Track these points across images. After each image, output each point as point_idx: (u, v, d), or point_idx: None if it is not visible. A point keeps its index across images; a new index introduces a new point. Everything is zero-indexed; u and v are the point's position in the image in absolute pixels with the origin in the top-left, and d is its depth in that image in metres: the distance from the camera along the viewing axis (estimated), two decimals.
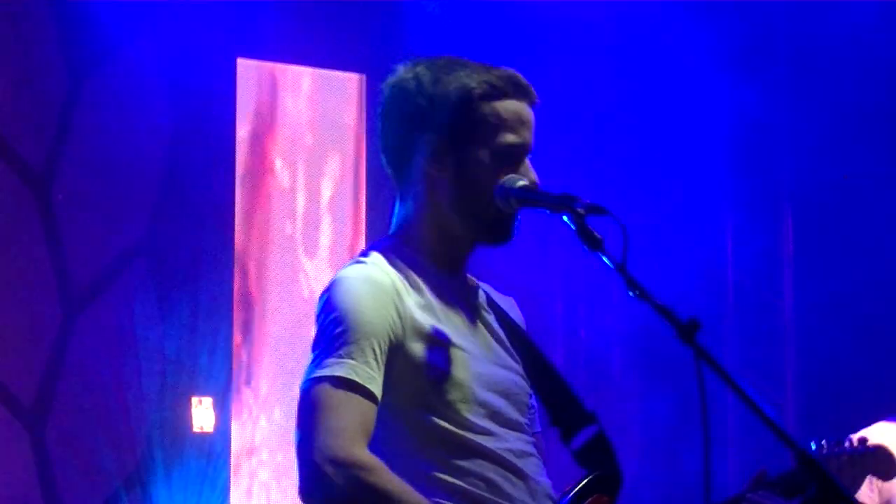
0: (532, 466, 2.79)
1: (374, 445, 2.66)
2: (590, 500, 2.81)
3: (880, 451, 3.65)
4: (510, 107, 2.81)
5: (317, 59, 6.06)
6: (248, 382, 5.86)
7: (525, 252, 6.18)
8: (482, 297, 2.90)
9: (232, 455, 5.76)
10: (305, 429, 2.60)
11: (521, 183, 2.77)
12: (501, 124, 2.80)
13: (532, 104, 2.85)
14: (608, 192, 6.38)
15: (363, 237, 6.06)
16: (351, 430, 2.58)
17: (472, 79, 2.81)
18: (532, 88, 2.85)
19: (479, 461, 2.72)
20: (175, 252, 5.64)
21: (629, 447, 6.46)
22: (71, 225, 5.50)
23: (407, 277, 2.76)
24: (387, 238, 2.88)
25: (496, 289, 3.06)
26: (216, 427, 5.71)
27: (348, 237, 6.08)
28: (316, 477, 2.56)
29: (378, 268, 2.76)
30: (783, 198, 6.65)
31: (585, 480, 2.82)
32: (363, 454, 2.58)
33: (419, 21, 5.98)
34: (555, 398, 2.91)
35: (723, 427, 6.21)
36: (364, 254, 2.85)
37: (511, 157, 2.79)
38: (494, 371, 2.80)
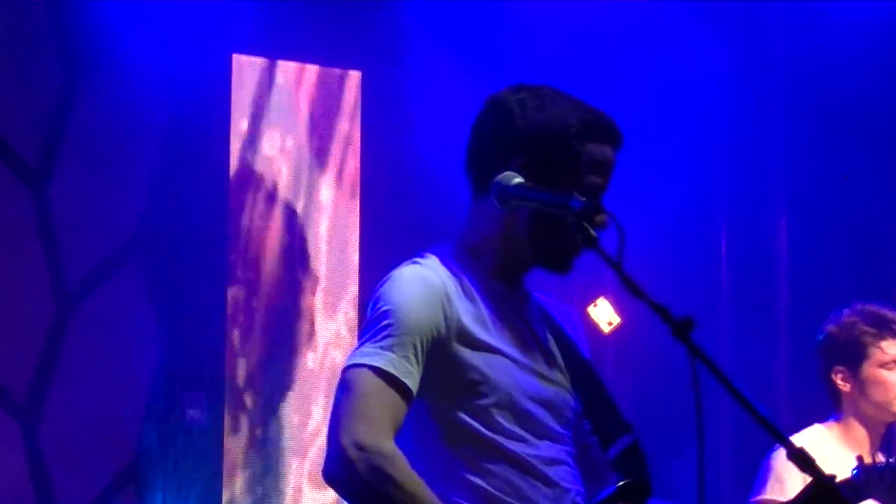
0: (564, 475, 2.86)
1: (405, 438, 2.77)
2: None
3: None
4: (601, 150, 2.89)
5: (313, 56, 6.06)
6: (241, 379, 5.85)
7: None
8: (537, 312, 2.98)
9: (225, 452, 5.75)
10: (338, 412, 2.72)
11: (518, 180, 2.80)
12: (591, 165, 2.87)
13: (617, 150, 2.93)
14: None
15: (357, 233, 6.06)
16: (380, 420, 2.69)
17: (572, 115, 2.89)
18: (622, 136, 2.94)
19: (505, 465, 2.79)
20: (169, 248, 5.63)
21: None
22: (65, 221, 5.49)
23: (461, 283, 2.84)
24: (450, 244, 2.94)
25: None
26: (210, 424, 5.70)
27: (343, 233, 6.07)
28: (340, 459, 2.68)
29: (432, 269, 2.84)
30: (777, 197, 6.65)
31: (614, 488, 2.88)
32: (388, 445, 2.69)
33: (418, 18, 5.97)
34: (598, 409, 2.98)
35: (716, 425, 6.21)
36: (422, 255, 2.93)
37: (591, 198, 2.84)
38: (538, 383, 2.87)
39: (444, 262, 2.87)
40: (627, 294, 2.54)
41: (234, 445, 5.81)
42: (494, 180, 2.81)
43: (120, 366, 5.51)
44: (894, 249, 6.48)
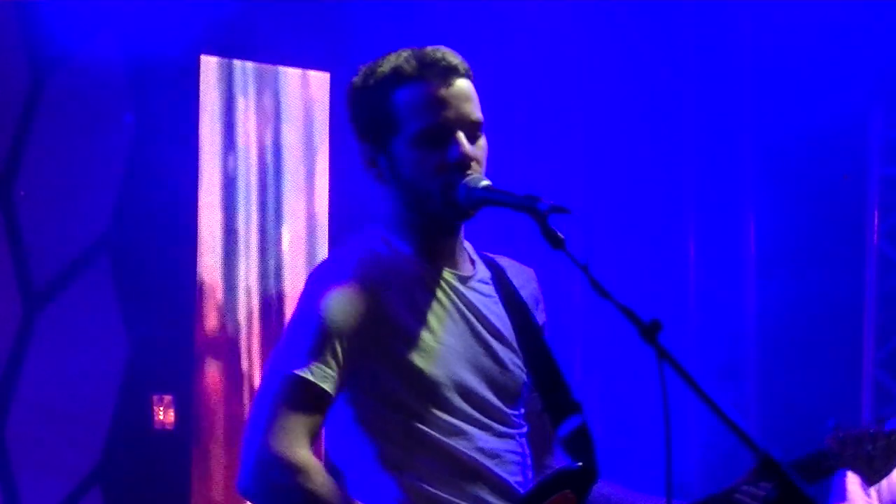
0: (505, 465, 2.78)
1: (338, 436, 2.70)
2: (555, 496, 2.77)
3: None
4: (419, 89, 2.74)
5: (281, 57, 6.05)
6: (209, 380, 5.84)
7: (490, 251, 6.19)
8: (481, 281, 2.86)
9: (193, 452, 5.74)
10: (254, 423, 2.63)
11: (484, 183, 2.72)
12: (407, 112, 2.74)
13: (447, 83, 2.74)
14: (572, 192, 6.40)
15: (326, 232, 6.05)
16: (296, 431, 2.60)
17: (375, 76, 2.78)
18: (447, 60, 2.76)
19: (443, 462, 2.71)
20: (137, 249, 5.61)
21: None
22: (32, 222, 5.47)
23: (388, 272, 2.74)
24: (376, 227, 2.85)
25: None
26: (177, 424, 5.68)
27: (312, 234, 6.06)
28: (255, 473, 2.60)
29: (356, 262, 2.74)
30: (746, 198, 6.67)
31: (554, 473, 2.80)
32: (302, 455, 2.60)
33: (387, 18, 5.96)
34: (547, 384, 2.88)
35: (685, 427, 6.22)
36: (350, 243, 2.84)
37: (429, 142, 2.73)
38: (481, 363, 2.77)
39: (369, 250, 2.77)
40: (595, 295, 2.51)
41: (203, 447, 5.79)
42: (461, 183, 2.71)
43: (87, 367, 5.48)
44: (863, 251, 6.51)
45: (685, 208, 6.71)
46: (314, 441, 2.64)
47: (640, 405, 5.93)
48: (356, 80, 2.82)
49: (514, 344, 2.85)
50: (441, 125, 2.73)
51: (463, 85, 2.77)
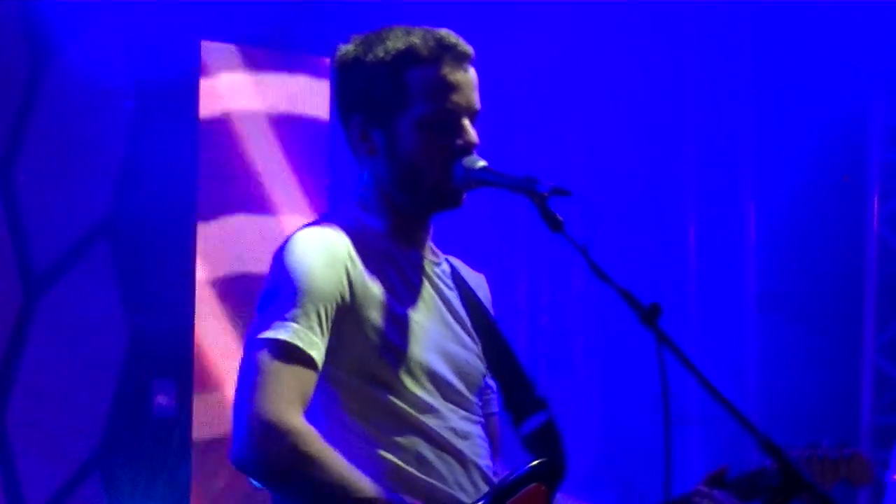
0: (474, 448, 2.76)
1: (313, 412, 2.62)
2: (528, 488, 2.74)
3: (856, 457, 3.62)
4: (429, 72, 2.72)
5: (283, 42, 6.04)
6: (209, 365, 5.84)
7: (489, 237, 6.19)
8: (445, 272, 2.85)
9: (193, 438, 5.74)
10: (242, 392, 2.56)
11: (481, 164, 2.70)
12: (418, 92, 2.71)
13: (462, 63, 2.74)
14: (571, 177, 6.39)
15: None
16: (288, 396, 2.54)
17: (385, 50, 2.74)
18: (461, 47, 2.74)
19: (416, 438, 2.68)
20: (137, 234, 5.61)
21: (590, 433, 6.48)
22: (32, 207, 5.47)
23: (363, 245, 2.71)
24: (348, 205, 2.83)
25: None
26: (177, 410, 5.69)
27: (311, 219, 6.06)
28: (249, 442, 2.53)
29: (334, 232, 2.70)
30: (746, 184, 6.67)
31: (527, 468, 2.77)
32: (297, 421, 2.54)
33: (388, 3, 5.95)
34: (509, 381, 2.86)
35: (686, 412, 6.23)
36: (323, 217, 2.81)
37: (436, 126, 2.72)
38: (447, 347, 2.76)
39: (345, 224, 2.74)
40: (595, 279, 2.50)
41: (202, 432, 5.79)
42: (458, 164, 2.69)
43: (87, 352, 5.49)
44: (863, 237, 6.51)
45: (685, 195, 6.71)
46: (305, 407, 2.57)
47: (641, 393, 5.94)
48: (354, 49, 2.78)
49: (475, 335, 2.84)
50: (451, 111, 2.72)
51: (473, 73, 2.78)
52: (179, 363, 5.73)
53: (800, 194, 6.41)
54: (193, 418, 5.75)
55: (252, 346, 2.60)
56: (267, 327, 2.59)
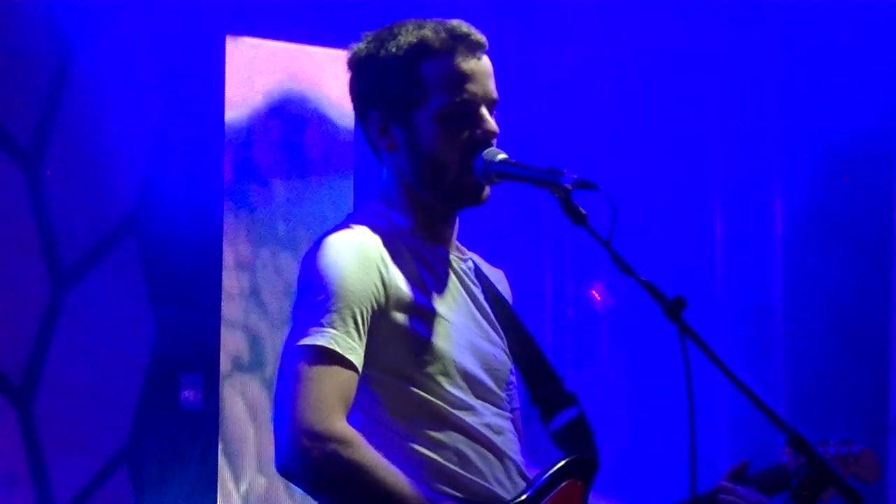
0: (508, 444, 2.76)
1: (352, 414, 2.62)
2: (564, 483, 2.75)
3: (864, 454, 3.61)
4: (443, 64, 2.72)
5: (307, 36, 6.04)
6: (237, 359, 5.85)
7: (513, 229, 6.18)
8: (469, 269, 2.84)
9: (220, 432, 5.75)
10: (283, 400, 2.55)
11: (502, 156, 2.69)
12: (434, 85, 2.71)
13: (475, 53, 2.73)
14: (595, 167, 6.38)
15: (352, 208, 6.04)
16: (329, 403, 2.52)
17: (397, 45, 2.73)
18: (474, 36, 2.74)
19: (455, 435, 2.68)
20: (163, 229, 5.62)
21: (617, 427, 6.47)
22: (59, 202, 5.48)
23: (392, 244, 2.70)
24: (373, 203, 2.82)
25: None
26: (205, 404, 5.70)
27: (337, 212, 6.06)
28: (292, 450, 2.51)
29: (365, 233, 2.69)
30: (773, 176, 6.64)
31: (562, 463, 2.77)
32: (341, 427, 2.53)
33: None
34: (536, 377, 2.86)
35: (713, 406, 6.21)
36: (350, 217, 2.80)
37: (455, 117, 2.71)
38: (477, 343, 2.76)
39: (373, 224, 2.73)
40: (618, 272, 2.49)
41: (230, 426, 5.81)
42: (478, 156, 2.68)
43: (115, 346, 5.51)
44: (890, 228, 6.48)
45: (712, 187, 6.69)
46: (347, 412, 2.56)
47: (667, 387, 5.93)
48: (367, 46, 2.78)
49: (501, 330, 2.84)
50: (468, 101, 2.71)
51: (487, 62, 2.77)
52: (207, 356, 5.74)
53: (826, 187, 6.39)
54: (221, 411, 5.76)
55: (290, 354, 2.59)
56: (304, 334, 2.59)
